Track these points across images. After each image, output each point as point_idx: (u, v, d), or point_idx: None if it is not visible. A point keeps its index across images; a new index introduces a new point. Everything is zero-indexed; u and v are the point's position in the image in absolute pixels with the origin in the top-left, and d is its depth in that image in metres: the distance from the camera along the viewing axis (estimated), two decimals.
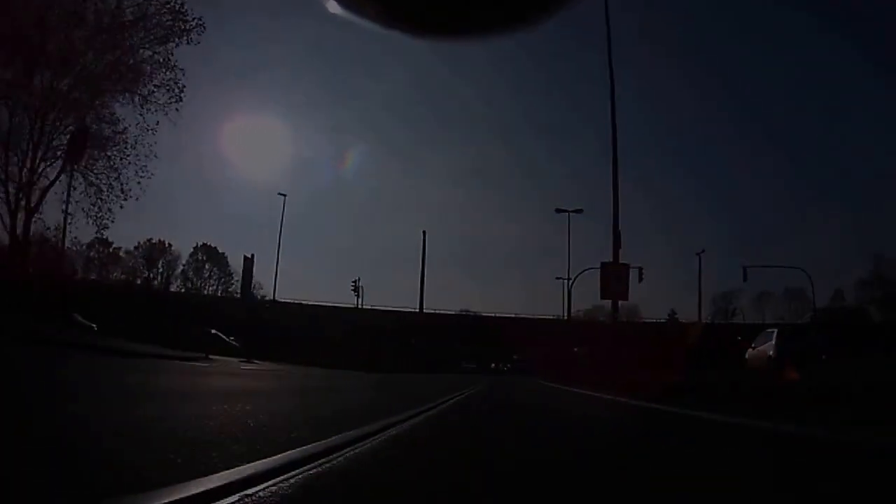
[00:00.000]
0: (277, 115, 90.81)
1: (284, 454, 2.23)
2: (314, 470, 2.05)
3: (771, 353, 17.67)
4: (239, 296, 47.99)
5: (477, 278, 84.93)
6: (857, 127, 73.48)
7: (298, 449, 2.37)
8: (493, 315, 44.98)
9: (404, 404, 6.03)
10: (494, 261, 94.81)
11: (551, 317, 42.89)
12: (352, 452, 2.52)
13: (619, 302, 17.76)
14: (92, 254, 46.81)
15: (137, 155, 18.88)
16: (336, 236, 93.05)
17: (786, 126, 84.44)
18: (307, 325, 36.13)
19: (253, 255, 36.05)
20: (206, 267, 56.37)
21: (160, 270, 54.59)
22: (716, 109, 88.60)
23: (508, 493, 2.02)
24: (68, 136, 17.52)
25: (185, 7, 18.78)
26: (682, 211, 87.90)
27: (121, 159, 18.70)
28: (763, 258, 78.06)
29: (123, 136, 18.75)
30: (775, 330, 19.40)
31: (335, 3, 0.99)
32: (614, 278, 16.68)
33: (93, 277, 40.96)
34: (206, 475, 1.73)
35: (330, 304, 45.54)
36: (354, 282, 41.95)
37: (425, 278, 43.21)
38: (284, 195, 42.20)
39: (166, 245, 53.93)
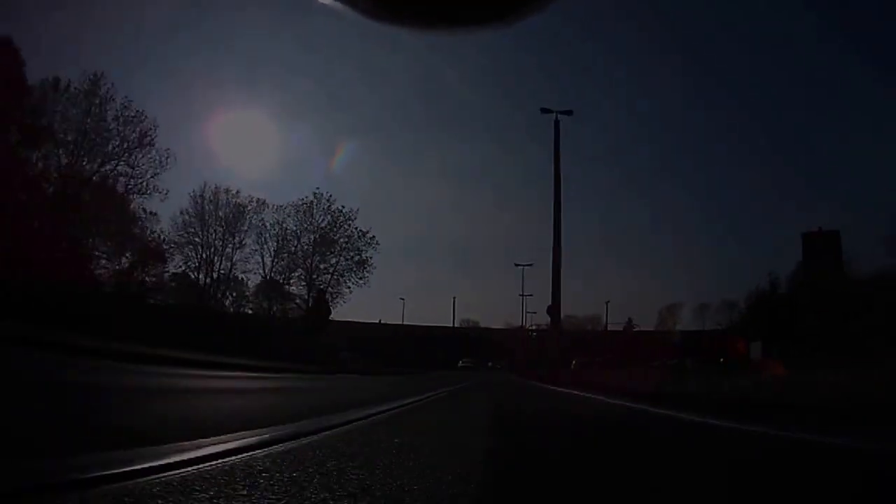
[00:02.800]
0: (267, 111, 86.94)
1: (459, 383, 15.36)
2: (462, 385, 15.13)
3: (574, 364, 38.06)
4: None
5: (468, 280, 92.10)
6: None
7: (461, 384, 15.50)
8: (487, 327, 60.57)
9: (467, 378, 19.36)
10: (485, 263, 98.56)
11: (530, 327, 56.27)
12: (462, 385, 15.61)
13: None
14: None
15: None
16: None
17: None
18: (384, 340, 48.92)
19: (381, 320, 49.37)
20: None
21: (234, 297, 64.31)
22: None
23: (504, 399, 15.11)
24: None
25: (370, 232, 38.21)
26: (650, 226, 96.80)
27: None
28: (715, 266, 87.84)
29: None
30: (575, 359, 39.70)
31: None
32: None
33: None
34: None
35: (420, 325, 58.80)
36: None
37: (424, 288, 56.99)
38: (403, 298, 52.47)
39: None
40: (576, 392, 13.04)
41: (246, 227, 37.11)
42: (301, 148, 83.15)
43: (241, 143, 71.27)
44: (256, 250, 37.39)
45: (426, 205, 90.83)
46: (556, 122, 28.77)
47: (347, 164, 70.86)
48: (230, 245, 36.53)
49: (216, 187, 36.12)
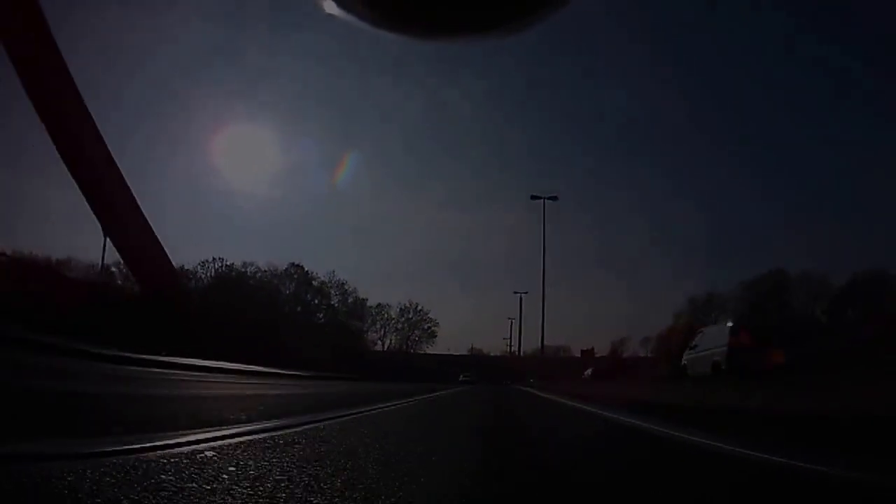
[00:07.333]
0: (274, 125, 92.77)
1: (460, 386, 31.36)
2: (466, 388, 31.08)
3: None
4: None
5: (471, 302, 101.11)
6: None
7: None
8: (488, 353, 79.10)
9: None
10: (488, 288, 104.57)
11: (523, 353, 72.11)
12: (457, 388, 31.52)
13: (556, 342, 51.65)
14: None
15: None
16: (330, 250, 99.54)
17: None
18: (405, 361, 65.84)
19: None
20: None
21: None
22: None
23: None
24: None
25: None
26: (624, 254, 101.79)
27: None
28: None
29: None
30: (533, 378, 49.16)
31: (332, 2, 1.07)
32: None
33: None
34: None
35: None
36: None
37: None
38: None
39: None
40: (523, 388, 29.16)
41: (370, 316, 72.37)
42: (306, 163, 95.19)
43: (249, 159, 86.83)
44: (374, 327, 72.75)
45: (429, 229, 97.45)
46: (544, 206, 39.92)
47: (350, 181, 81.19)
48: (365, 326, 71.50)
49: (356, 291, 67.47)
